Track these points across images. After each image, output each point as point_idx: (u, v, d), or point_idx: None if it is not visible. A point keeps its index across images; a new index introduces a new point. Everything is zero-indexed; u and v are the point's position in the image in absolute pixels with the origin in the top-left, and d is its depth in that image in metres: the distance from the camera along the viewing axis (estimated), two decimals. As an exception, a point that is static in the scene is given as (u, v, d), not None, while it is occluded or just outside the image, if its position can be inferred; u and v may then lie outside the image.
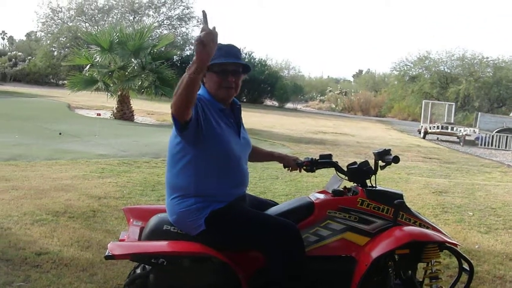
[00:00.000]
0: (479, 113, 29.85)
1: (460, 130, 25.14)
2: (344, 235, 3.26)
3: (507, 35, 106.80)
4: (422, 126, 27.45)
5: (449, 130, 25.49)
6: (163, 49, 23.59)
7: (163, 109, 24.71)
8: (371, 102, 51.78)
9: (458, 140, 25.00)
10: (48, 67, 45.89)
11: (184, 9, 49.07)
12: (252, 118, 26.18)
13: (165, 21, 49.07)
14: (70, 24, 47.03)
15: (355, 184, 3.46)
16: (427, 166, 13.67)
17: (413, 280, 3.38)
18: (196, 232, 3.05)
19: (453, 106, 31.13)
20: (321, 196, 3.42)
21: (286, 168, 3.77)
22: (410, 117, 45.41)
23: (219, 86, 3.13)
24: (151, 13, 48.77)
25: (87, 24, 46.74)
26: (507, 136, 24.17)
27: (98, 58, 19.81)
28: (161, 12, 48.92)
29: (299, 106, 48.70)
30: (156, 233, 3.12)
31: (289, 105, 47.73)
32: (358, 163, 3.43)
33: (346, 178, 3.44)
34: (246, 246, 3.14)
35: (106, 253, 2.91)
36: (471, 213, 7.91)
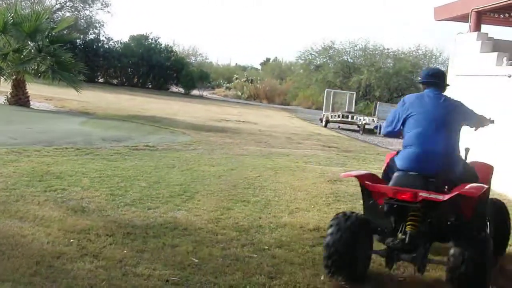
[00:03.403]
0: (378, 102, 30.86)
1: (360, 119, 25.85)
2: None
3: (406, 28, 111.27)
4: (324, 114, 27.79)
5: (349, 119, 26.06)
6: (65, 32, 22.73)
7: (62, 94, 23.80)
8: (276, 90, 52.25)
9: (358, 128, 25.68)
10: None
11: (87, -9, 47.45)
12: (156, 105, 25.84)
13: (67, 3, 47.30)
14: (-38, 2, 44.34)
15: None
16: (325, 155, 13.97)
17: None
18: (455, 176, 4.84)
19: (354, 95, 31.91)
20: None
21: None
22: (314, 105, 46.12)
23: None
24: (52, -6, 46.83)
25: (-19, 3, 44.20)
26: (403, 125, 25.13)
27: (-10, 40, 18.82)
28: (63, -7, 47.07)
29: (205, 93, 48.45)
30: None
31: (195, 92, 47.35)
32: None
33: None
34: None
35: None
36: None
